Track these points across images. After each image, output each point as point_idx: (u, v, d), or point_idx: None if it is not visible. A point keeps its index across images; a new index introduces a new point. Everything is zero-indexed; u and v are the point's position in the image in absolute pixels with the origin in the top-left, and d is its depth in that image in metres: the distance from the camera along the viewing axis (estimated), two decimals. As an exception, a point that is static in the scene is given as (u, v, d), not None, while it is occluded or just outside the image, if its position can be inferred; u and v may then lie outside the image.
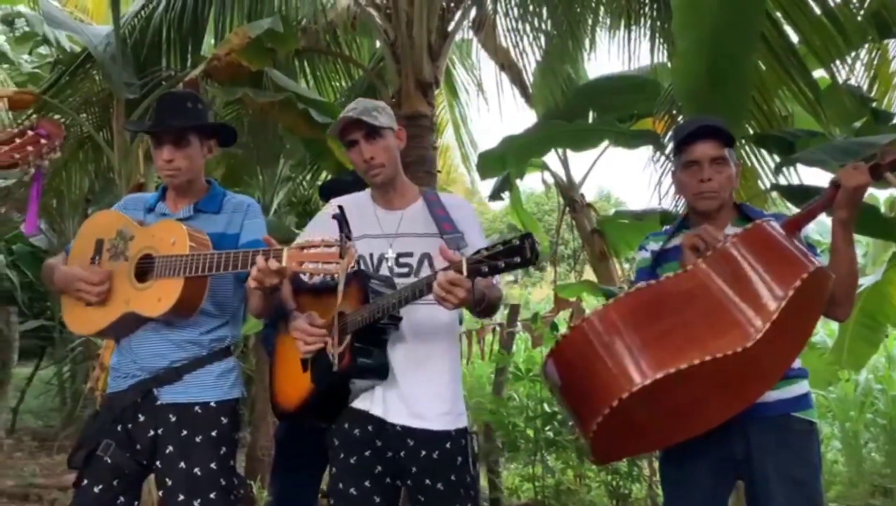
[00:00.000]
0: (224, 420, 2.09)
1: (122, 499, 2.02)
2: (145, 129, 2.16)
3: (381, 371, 1.98)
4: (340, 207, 1.82)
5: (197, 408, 2.06)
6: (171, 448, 2.02)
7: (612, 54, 4.84)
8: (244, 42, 4.09)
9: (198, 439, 2.03)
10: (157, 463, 2.03)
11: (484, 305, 1.91)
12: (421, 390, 2.00)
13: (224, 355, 2.15)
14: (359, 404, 2.02)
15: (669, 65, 4.28)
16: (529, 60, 4.83)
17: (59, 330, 6.42)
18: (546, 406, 4.81)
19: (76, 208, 5.75)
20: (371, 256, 2.07)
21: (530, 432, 4.82)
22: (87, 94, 5.20)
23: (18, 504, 4.87)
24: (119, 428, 2.05)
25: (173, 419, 2.03)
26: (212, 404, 2.08)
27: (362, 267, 2.04)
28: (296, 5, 4.82)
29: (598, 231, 5.82)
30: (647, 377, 1.60)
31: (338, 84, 5.88)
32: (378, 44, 5.38)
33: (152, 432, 2.04)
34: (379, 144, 2.05)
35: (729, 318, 1.65)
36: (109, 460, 2.01)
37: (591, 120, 4.95)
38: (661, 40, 4.38)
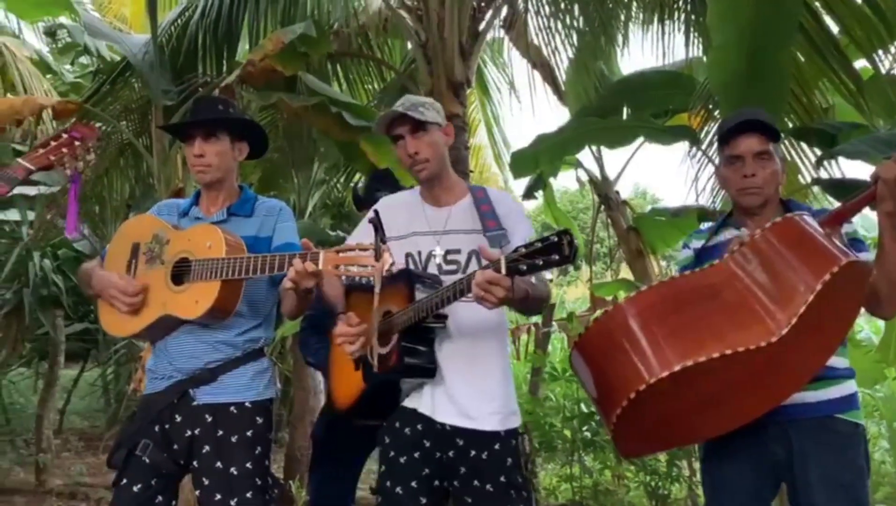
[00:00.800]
0: (259, 420, 2.11)
1: (160, 498, 2.06)
2: (180, 123, 2.20)
3: (428, 370, 1.97)
4: (376, 212, 1.85)
5: (232, 408, 2.09)
6: (207, 448, 2.05)
7: (645, 50, 4.79)
8: (278, 47, 4.14)
9: (233, 439, 2.05)
10: (195, 463, 2.06)
11: (528, 304, 1.89)
12: (469, 389, 1.99)
13: (258, 356, 2.18)
14: (409, 402, 2.03)
15: (705, 59, 4.21)
16: (562, 58, 4.81)
17: (103, 333, 6.57)
18: (583, 406, 4.77)
19: (118, 214, 5.87)
20: (419, 253, 2.07)
21: (567, 433, 4.79)
22: (126, 102, 5.32)
23: (67, 502, 5.01)
24: (157, 428, 2.09)
25: (209, 419, 2.07)
26: (247, 404, 2.11)
27: (410, 265, 2.05)
28: (328, 9, 4.86)
29: (634, 229, 5.75)
30: (664, 370, 1.58)
31: (370, 87, 5.92)
32: (409, 45, 5.39)
33: (189, 433, 2.07)
34: (424, 139, 2.04)
35: (752, 313, 1.61)
36: (148, 460, 2.05)
37: (625, 116, 4.89)
38: (696, 34, 4.31)
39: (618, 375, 1.66)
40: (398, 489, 1.97)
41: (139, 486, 2.03)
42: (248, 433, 2.08)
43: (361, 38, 5.66)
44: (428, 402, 2.00)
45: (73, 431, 7.32)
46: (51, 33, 7.29)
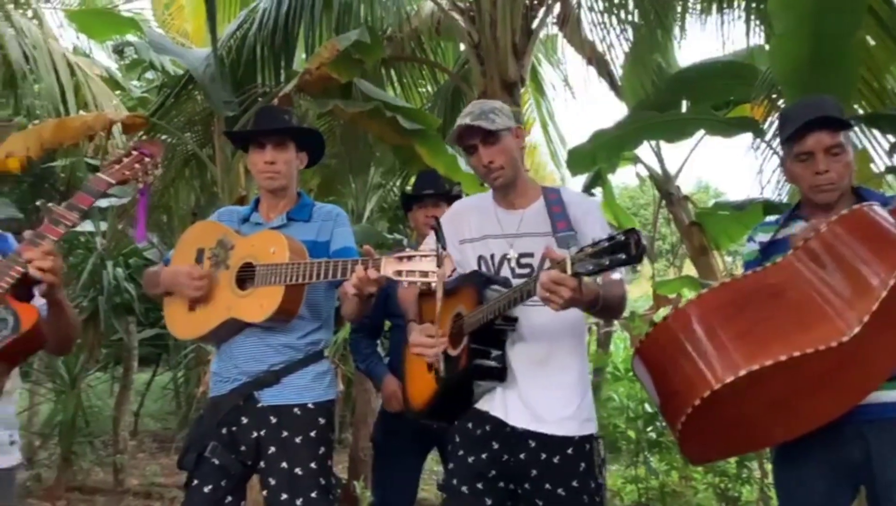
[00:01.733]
0: (321, 421, 2.15)
1: (229, 498, 2.11)
2: (252, 131, 2.27)
3: (498, 373, 1.95)
4: (436, 219, 1.86)
5: (296, 409, 2.13)
6: (272, 449, 2.09)
7: (703, 40, 4.67)
8: (333, 55, 4.20)
9: (297, 440, 2.09)
10: (261, 463, 2.11)
11: (601, 306, 1.84)
12: (542, 392, 1.96)
13: (318, 358, 2.22)
14: (482, 404, 2.01)
15: (767, 47, 4.07)
16: (617, 53, 4.73)
17: (173, 338, 6.81)
18: (647, 406, 4.68)
19: (184, 222, 6.08)
20: (492, 256, 2.06)
21: (631, 433, 4.71)
22: (190, 114, 5.50)
23: (143, 501, 5.20)
24: (224, 431, 2.15)
25: (274, 421, 2.11)
26: (309, 405, 2.15)
27: (483, 268, 2.05)
28: (381, 15, 4.91)
29: (697, 224, 5.61)
30: (730, 374, 1.53)
31: (424, 90, 5.96)
32: (462, 47, 5.41)
33: (255, 434, 2.12)
34: (497, 146, 2.02)
35: (819, 312, 1.55)
36: (217, 462, 2.11)
37: (684, 109, 4.78)
38: (757, 22, 4.18)
39: (682, 381, 1.61)
40: (464, 488, 1.97)
41: (210, 487, 2.09)
42: (312, 434, 2.12)
43: (414, 41, 5.70)
44: (500, 405, 1.98)
45: (147, 432, 7.59)
46: (119, 51, 7.61)
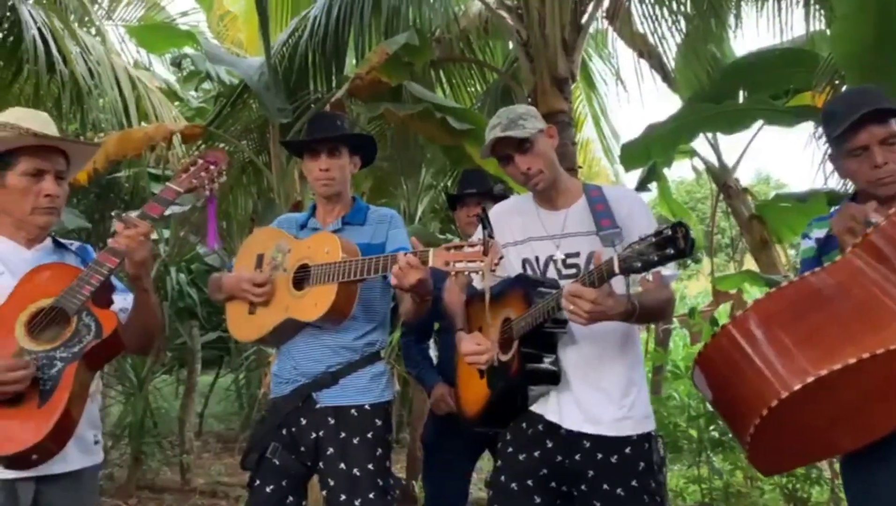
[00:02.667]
0: (378, 422, 2.18)
1: (291, 498, 2.15)
2: (306, 140, 2.32)
3: (552, 376, 1.93)
4: (483, 209, 1.86)
5: (353, 411, 2.16)
6: (331, 450, 2.13)
7: (760, 28, 4.53)
8: (383, 59, 4.25)
9: (355, 441, 2.12)
10: (320, 464, 2.15)
11: (640, 314, 1.79)
12: (595, 394, 1.94)
13: (375, 359, 2.24)
14: (536, 408, 1.99)
15: (828, 32, 3.93)
16: (670, 45, 4.64)
17: (235, 341, 7.00)
18: (709, 405, 4.57)
19: (243, 228, 6.24)
20: (537, 258, 2.04)
21: (693, 432, 4.61)
22: (246, 123, 5.65)
23: (209, 500, 5.35)
24: (284, 431, 2.19)
25: (332, 422, 2.15)
26: (366, 406, 2.17)
27: (528, 270, 2.04)
28: (429, 17, 4.93)
29: (758, 217, 5.47)
30: (797, 382, 1.46)
31: (473, 89, 5.95)
32: (511, 45, 5.38)
33: (314, 435, 2.16)
34: (532, 152, 2.00)
35: (886, 310, 1.47)
36: (278, 462, 2.15)
37: (741, 100, 4.66)
38: (817, 7, 4.04)
39: (748, 391, 1.56)
40: (513, 485, 1.95)
41: (271, 487, 2.14)
42: (369, 435, 2.14)
43: (463, 42, 5.71)
44: (555, 408, 1.96)
45: (212, 433, 7.81)
46: (177, 63, 7.86)
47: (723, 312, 4.80)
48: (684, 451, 4.88)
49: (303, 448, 2.17)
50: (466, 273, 1.79)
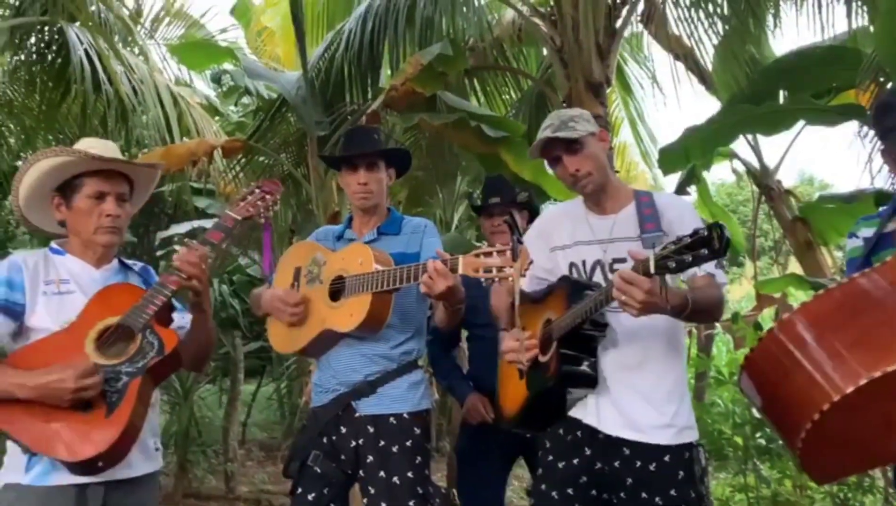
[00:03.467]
0: (417, 431, 2.19)
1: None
2: (344, 155, 2.36)
3: (589, 379, 1.91)
4: (510, 213, 1.85)
5: (391, 419, 2.18)
6: (371, 458, 2.15)
7: (800, 26, 4.44)
8: (417, 70, 4.28)
9: (394, 449, 2.14)
10: (361, 472, 2.17)
11: (692, 310, 1.77)
12: (636, 399, 1.92)
13: (412, 368, 2.27)
14: (574, 412, 1.98)
15: (872, 28, 3.84)
16: (706, 47, 4.57)
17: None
18: (755, 411, 4.47)
19: (283, 239, 6.33)
20: (584, 262, 2.03)
21: (738, 440, 4.51)
22: (284, 136, 5.74)
23: (252, 508, 5.44)
24: (325, 440, 2.22)
25: (371, 430, 2.17)
26: (405, 415, 2.19)
27: (574, 274, 2.03)
28: (463, 27, 4.96)
29: (801, 219, 5.35)
30: (850, 385, 1.42)
31: (507, 97, 5.95)
32: (545, 52, 5.37)
33: (354, 443, 2.18)
34: (581, 154, 2.00)
35: None
36: (319, 470, 2.19)
37: (781, 100, 4.57)
38: (860, 3, 3.94)
39: (798, 396, 1.52)
40: (553, 494, 1.95)
41: (313, 495, 2.17)
42: (408, 443, 2.16)
43: (496, 50, 5.72)
44: (593, 412, 1.95)
45: (255, 441, 7.92)
46: (217, 79, 8.03)
47: (766, 317, 4.70)
48: (730, 459, 4.78)
49: (343, 456, 2.19)
50: (496, 280, 1.78)
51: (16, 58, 5.70)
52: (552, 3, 4.63)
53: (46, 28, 5.38)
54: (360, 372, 2.21)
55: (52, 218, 1.96)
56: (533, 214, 3.01)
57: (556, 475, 1.97)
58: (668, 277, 1.66)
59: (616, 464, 1.91)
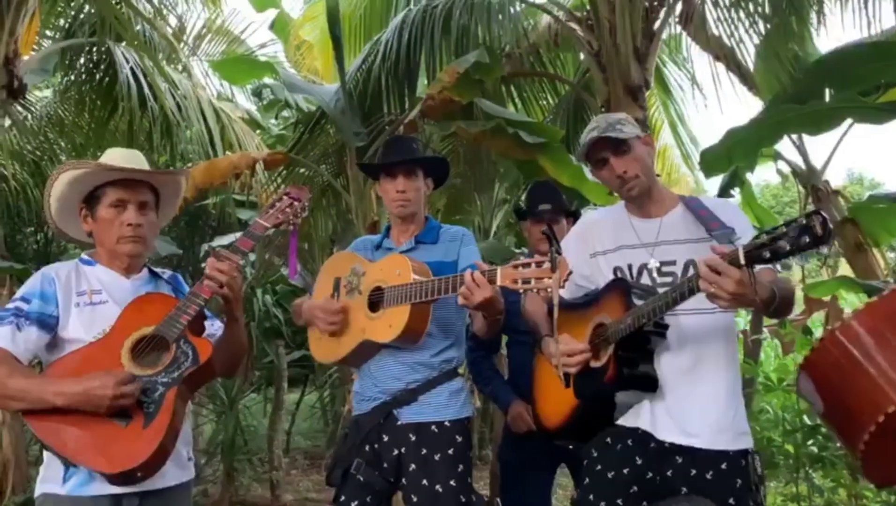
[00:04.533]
0: (459, 438, 2.19)
1: None
2: (382, 163, 2.38)
3: (647, 383, 1.87)
4: (549, 225, 1.84)
5: (433, 427, 2.18)
6: (413, 466, 2.15)
7: (845, 23, 4.33)
8: (454, 78, 4.30)
9: (436, 457, 2.14)
10: (403, 480, 2.17)
11: (778, 302, 1.72)
12: (690, 404, 1.88)
13: (452, 376, 2.26)
14: (624, 421, 1.94)
15: (921, 22, 3.72)
16: (748, 47, 4.49)
17: (318, 359, 7.16)
18: (806, 418, 4.35)
19: (323, 249, 6.41)
20: (629, 266, 2.00)
21: (789, 448, 4.39)
22: (324, 147, 5.82)
23: (297, 516, 5.49)
24: (367, 448, 2.23)
25: (413, 438, 2.17)
26: (446, 423, 2.19)
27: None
28: (499, 34, 4.96)
29: (851, 220, 5.20)
30: None
31: (545, 102, 5.94)
32: (582, 56, 5.34)
33: (396, 451, 2.19)
34: (629, 156, 1.98)
35: None
36: (362, 478, 2.20)
37: (827, 99, 4.45)
38: (907, -4, 3.83)
39: (860, 398, 1.48)
40: (602, 504, 1.90)
41: (356, 503, 2.18)
42: (450, 451, 2.15)
43: (533, 56, 5.71)
44: (647, 418, 1.90)
45: (299, 450, 8.00)
46: (257, 93, 8.20)
47: (816, 321, 4.57)
48: (780, 467, 4.65)
49: (386, 464, 2.20)
50: (535, 291, 1.77)
51: (66, 78, 5.92)
52: (588, 7, 4.60)
53: (94, 48, 5.57)
54: (401, 380, 2.21)
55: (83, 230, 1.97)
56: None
57: (604, 485, 1.92)
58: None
59: (669, 473, 1.87)
